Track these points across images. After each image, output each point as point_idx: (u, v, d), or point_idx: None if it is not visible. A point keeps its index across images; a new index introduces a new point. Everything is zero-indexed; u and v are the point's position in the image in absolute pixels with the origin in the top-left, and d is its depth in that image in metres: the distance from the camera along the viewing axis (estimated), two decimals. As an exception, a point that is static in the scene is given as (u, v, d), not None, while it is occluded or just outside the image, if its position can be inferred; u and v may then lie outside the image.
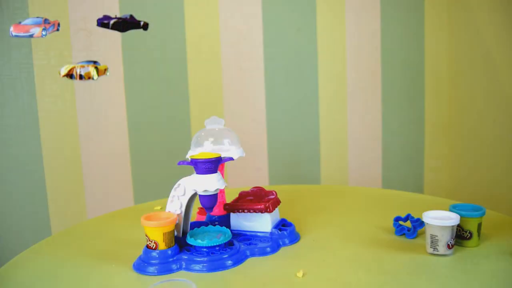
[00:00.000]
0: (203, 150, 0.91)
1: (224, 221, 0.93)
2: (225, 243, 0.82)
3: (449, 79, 1.92)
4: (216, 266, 0.78)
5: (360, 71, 1.89)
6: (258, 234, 0.89)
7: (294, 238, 0.89)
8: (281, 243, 0.87)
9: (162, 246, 0.78)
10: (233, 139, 0.94)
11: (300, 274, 0.74)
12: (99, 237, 0.96)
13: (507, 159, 1.66)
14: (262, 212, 0.88)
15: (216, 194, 0.83)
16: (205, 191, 0.80)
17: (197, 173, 0.81)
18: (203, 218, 0.97)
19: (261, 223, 0.89)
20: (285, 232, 0.88)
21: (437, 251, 0.79)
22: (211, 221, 0.93)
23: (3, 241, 1.62)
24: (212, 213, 0.93)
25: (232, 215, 0.90)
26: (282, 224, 0.92)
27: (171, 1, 1.71)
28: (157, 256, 0.78)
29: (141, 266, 0.78)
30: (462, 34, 1.85)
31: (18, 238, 1.63)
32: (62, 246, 0.92)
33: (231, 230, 0.89)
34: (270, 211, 0.88)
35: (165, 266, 0.78)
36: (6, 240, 1.62)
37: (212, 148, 0.92)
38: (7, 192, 1.62)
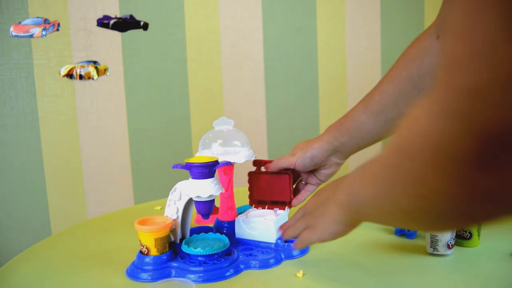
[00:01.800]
0: (211, 152, 0.88)
1: (233, 227, 0.88)
2: (222, 252, 0.78)
3: (449, 79, 1.92)
4: (210, 276, 0.74)
5: (360, 71, 1.89)
6: (262, 244, 0.83)
7: (302, 251, 0.83)
8: (283, 256, 0.81)
9: (153, 251, 0.76)
10: (242, 141, 0.89)
11: (299, 274, 0.74)
12: (98, 238, 0.96)
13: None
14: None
15: (212, 200, 0.79)
16: (198, 197, 0.77)
17: (192, 178, 0.78)
18: (209, 222, 0.96)
19: (265, 232, 0.83)
20: (291, 244, 0.81)
21: (437, 251, 0.79)
22: (220, 227, 0.89)
23: (3, 241, 1.62)
24: (221, 219, 0.90)
25: (236, 222, 0.86)
26: None
27: (171, 1, 1.71)
28: (149, 262, 0.75)
29: (133, 271, 0.76)
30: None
31: (18, 238, 1.63)
32: (62, 246, 0.92)
33: (235, 238, 0.86)
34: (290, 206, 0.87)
35: (157, 273, 0.75)
36: (6, 240, 1.62)
37: (221, 150, 0.88)
38: (7, 192, 1.62)
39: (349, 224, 0.60)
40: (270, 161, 0.94)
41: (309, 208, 0.73)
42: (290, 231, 0.75)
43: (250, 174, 0.95)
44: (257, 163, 0.95)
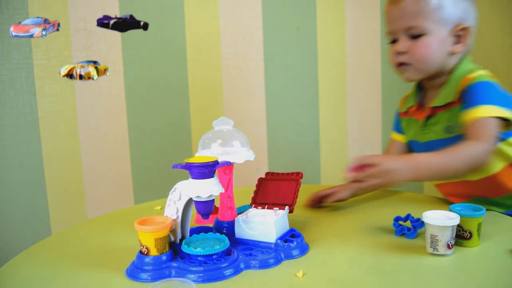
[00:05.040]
0: (210, 152, 0.88)
1: (233, 227, 0.88)
2: (222, 252, 0.78)
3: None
4: (210, 276, 0.74)
5: (360, 71, 1.89)
6: (261, 244, 0.83)
7: (302, 251, 0.83)
8: (282, 255, 0.81)
9: (153, 252, 0.76)
10: (242, 141, 0.89)
11: (299, 274, 0.74)
12: (98, 238, 0.96)
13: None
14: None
15: (212, 200, 0.79)
16: (198, 197, 0.77)
17: (191, 178, 0.78)
18: (209, 222, 0.96)
19: (265, 232, 0.83)
20: (291, 244, 0.82)
21: (437, 251, 0.79)
22: (220, 227, 0.89)
23: (3, 241, 1.62)
24: (221, 219, 0.90)
25: (236, 222, 0.86)
26: (291, 235, 0.87)
27: (171, 1, 1.71)
28: (149, 262, 0.75)
29: (133, 272, 0.76)
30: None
31: (18, 238, 1.63)
32: (62, 247, 0.92)
33: (235, 238, 0.86)
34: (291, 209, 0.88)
35: (156, 273, 0.75)
36: (6, 240, 1.62)
37: (221, 150, 0.87)
38: (7, 192, 1.62)
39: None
40: (280, 173, 0.96)
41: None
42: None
43: (260, 179, 0.97)
44: (268, 174, 0.97)
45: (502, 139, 1.00)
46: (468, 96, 0.98)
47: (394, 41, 1.06)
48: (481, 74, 1.01)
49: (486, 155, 0.93)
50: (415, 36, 1.01)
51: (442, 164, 0.92)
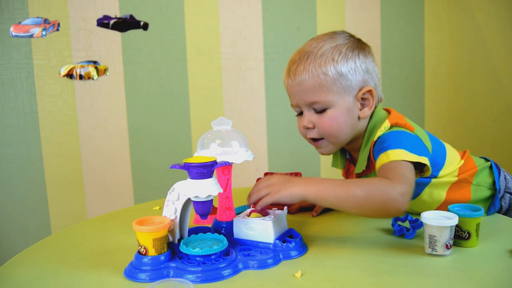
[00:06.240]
0: (209, 152, 0.88)
1: (231, 227, 0.88)
2: (221, 252, 0.78)
3: (449, 79, 1.92)
4: (208, 276, 0.74)
5: (360, 71, 1.89)
6: (260, 244, 0.82)
7: (301, 251, 0.83)
8: (281, 256, 0.81)
9: (152, 252, 0.76)
10: (241, 141, 0.89)
11: (298, 275, 0.74)
12: (98, 238, 0.96)
13: (506, 159, 1.66)
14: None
15: (210, 200, 0.79)
16: (196, 197, 0.77)
17: (190, 178, 0.78)
18: (208, 222, 0.96)
19: (264, 232, 0.83)
20: (290, 244, 0.82)
21: (436, 251, 0.79)
22: (218, 228, 0.89)
23: (3, 241, 1.63)
24: (219, 219, 0.90)
25: (235, 222, 0.86)
26: (290, 235, 0.87)
27: (171, 1, 1.71)
28: (147, 262, 0.75)
29: (131, 272, 0.76)
30: (462, 34, 1.85)
31: (18, 238, 1.63)
32: (62, 246, 0.92)
33: (233, 238, 0.86)
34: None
35: (155, 273, 0.75)
36: (6, 239, 1.63)
37: (220, 150, 0.87)
38: (7, 192, 1.62)
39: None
40: (279, 174, 0.95)
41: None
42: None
43: (259, 180, 0.96)
44: (266, 174, 0.97)
45: (428, 182, 0.96)
46: (376, 148, 0.91)
47: (300, 113, 1.00)
48: (384, 129, 0.93)
49: (399, 197, 0.80)
50: (320, 110, 0.94)
51: (345, 187, 0.82)
